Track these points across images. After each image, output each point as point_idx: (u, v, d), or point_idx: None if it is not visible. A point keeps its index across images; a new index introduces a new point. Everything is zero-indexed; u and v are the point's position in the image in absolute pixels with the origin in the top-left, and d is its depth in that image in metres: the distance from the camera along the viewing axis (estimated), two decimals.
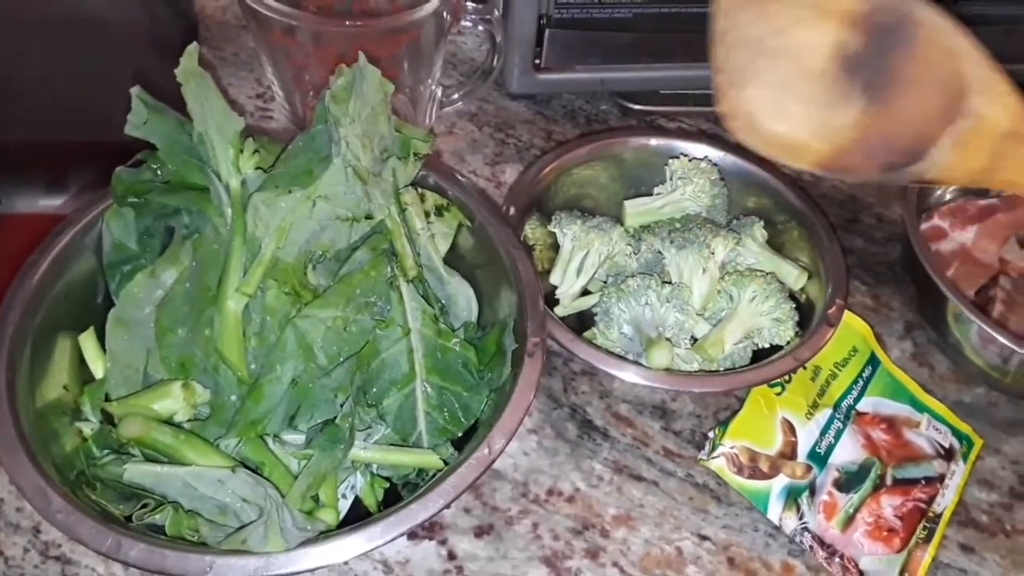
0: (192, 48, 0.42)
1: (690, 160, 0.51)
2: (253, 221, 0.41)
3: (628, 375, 0.42)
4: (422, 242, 0.44)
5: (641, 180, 0.54)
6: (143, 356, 0.40)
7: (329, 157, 0.41)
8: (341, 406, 0.37)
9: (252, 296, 0.39)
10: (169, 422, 0.38)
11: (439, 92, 0.60)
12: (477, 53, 0.69)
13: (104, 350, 0.41)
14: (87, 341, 0.41)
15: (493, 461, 0.37)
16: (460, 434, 0.41)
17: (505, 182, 0.61)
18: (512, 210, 0.49)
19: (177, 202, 0.42)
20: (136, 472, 0.35)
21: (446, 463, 0.40)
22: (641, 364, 0.44)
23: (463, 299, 0.45)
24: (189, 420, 0.38)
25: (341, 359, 0.39)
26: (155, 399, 0.38)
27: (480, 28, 0.56)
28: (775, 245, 0.51)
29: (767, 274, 0.46)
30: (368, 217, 0.42)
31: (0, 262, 0.81)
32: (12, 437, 0.35)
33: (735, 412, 0.47)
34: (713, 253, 0.46)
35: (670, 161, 0.52)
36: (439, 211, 0.46)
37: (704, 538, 0.45)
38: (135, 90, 0.41)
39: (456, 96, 0.61)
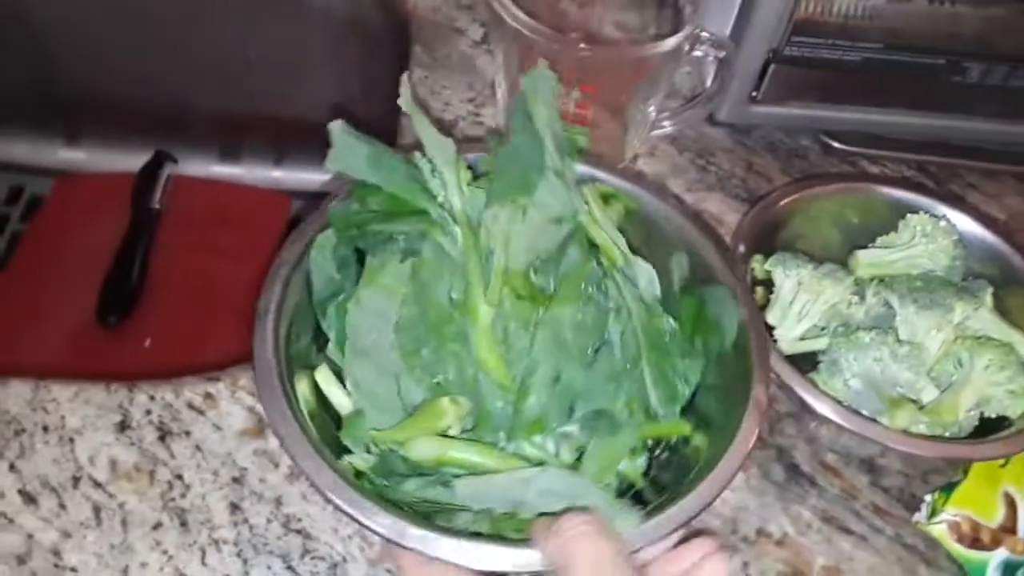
0: (404, 79, 0.43)
1: (930, 217, 0.52)
2: (484, 235, 0.42)
3: (876, 433, 0.43)
4: (608, 230, 0.46)
5: (862, 229, 0.55)
6: (392, 381, 0.40)
7: (542, 165, 0.43)
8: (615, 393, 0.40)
9: (497, 306, 0.41)
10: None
11: (652, 116, 0.61)
12: (681, 78, 0.70)
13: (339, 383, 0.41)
14: (323, 376, 0.41)
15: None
16: (686, 400, 0.43)
17: (706, 210, 0.62)
18: (742, 247, 0.50)
19: (401, 228, 0.42)
20: (467, 489, 0.36)
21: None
22: (875, 420, 0.45)
23: (645, 278, 0.46)
24: (461, 433, 0.40)
25: (590, 351, 0.41)
26: (431, 419, 0.39)
27: (710, 58, 0.58)
28: (998, 311, 0.51)
29: (1004, 344, 0.47)
30: (573, 216, 0.43)
31: (168, 220, 0.87)
32: (334, 480, 0.35)
33: (952, 480, 0.48)
34: (953, 316, 0.46)
35: (909, 216, 0.52)
36: (606, 199, 0.47)
37: None
38: (335, 125, 0.41)
39: (667, 122, 0.62)
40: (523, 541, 0.34)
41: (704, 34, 0.56)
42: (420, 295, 0.41)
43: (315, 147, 1.01)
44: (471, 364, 0.40)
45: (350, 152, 0.42)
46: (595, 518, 0.33)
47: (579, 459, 0.39)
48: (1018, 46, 0.59)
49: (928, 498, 0.47)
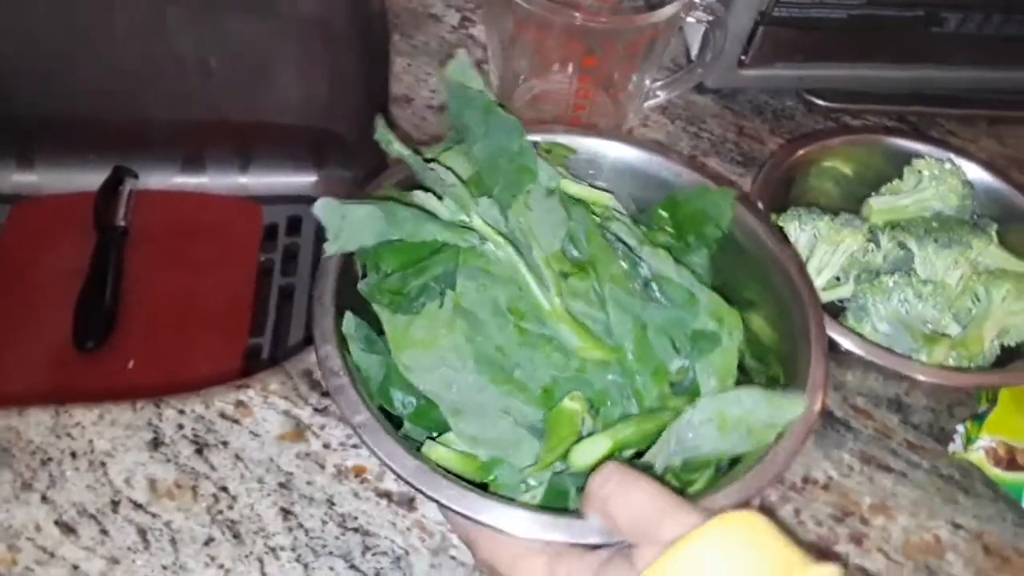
0: (379, 119, 0.42)
1: (936, 161, 0.54)
2: (520, 236, 0.41)
3: (914, 370, 0.45)
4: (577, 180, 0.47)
5: (863, 180, 0.57)
6: (504, 416, 0.38)
7: (529, 149, 0.43)
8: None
9: (561, 294, 0.41)
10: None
11: (647, 86, 0.62)
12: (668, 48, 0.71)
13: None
14: (436, 452, 0.38)
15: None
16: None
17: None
18: (760, 207, 0.52)
19: (438, 270, 0.41)
20: (661, 458, 0.36)
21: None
22: (909, 358, 0.47)
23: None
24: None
25: (654, 293, 0.43)
26: (567, 425, 0.37)
27: (704, 25, 0.59)
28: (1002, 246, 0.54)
29: (1019, 274, 0.49)
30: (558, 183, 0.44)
31: (136, 237, 0.84)
32: None
33: (976, 410, 0.50)
34: (970, 252, 0.49)
35: (915, 161, 0.55)
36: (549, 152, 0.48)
37: (958, 526, 0.48)
38: (320, 205, 0.39)
39: (661, 92, 0.64)
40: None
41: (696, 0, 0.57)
42: (473, 325, 0.39)
43: (282, 151, 1.00)
44: (568, 358, 0.39)
45: (349, 224, 0.39)
46: (615, 468, 0.32)
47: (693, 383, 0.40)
48: None
49: (960, 429, 0.50)
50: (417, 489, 0.34)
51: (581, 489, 0.34)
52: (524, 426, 0.38)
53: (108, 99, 0.87)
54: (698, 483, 0.37)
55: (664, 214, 0.46)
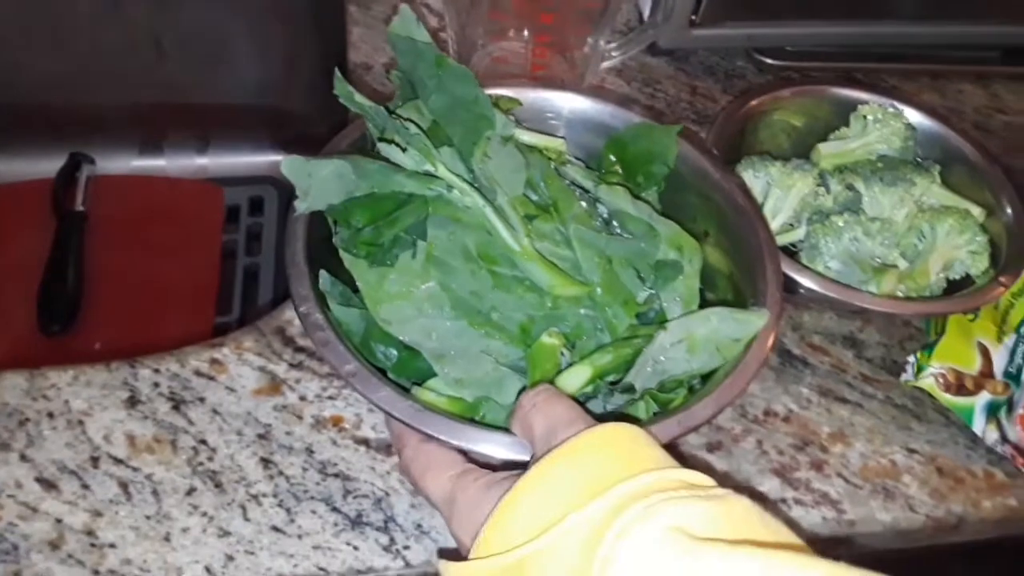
0: (337, 74, 0.43)
1: (879, 106, 0.57)
2: (487, 182, 0.43)
3: (866, 300, 0.48)
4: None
5: (812, 130, 0.60)
6: (485, 358, 0.40)
7: (483, 98, 0.44)
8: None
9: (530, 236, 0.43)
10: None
11: (603, 47, 0.65)
12: (620, 11, 0.74)
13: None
14: (425, 396, 0.40)
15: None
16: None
17: None
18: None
19: (408, 221, 0.42)
20: (643, 380, 0.38)
21: None
22: (860, 290, 0.50)
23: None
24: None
25: (615, 231, 0.45)
26: (548, 359, 0.39)
27: None
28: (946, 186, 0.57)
29: (961, 210, 0.53)
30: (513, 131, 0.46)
31: (96, 223, 0.85)
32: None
33: (925, 342, 0.53)
34: (915, 190, 0.52)
35: (860, 107, 0.58)
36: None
37: (912, 451, 0.51)
38: (287, 162, 0.40)
39: (615, 53, 0.66)
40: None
41: None
42: (447, 273, 0.41)
43: (241, 131, 1.01)
44: (541, 297, 0.41)
45: (316, 182, 0.40)
46: (546, 387, 0.36)
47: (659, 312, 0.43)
48: None
49: (911, 359, 0.53)
50: (414, 428, 0.36)
51: None
52: (505, 365, 0.40)
53: (61, 84, 0.87)
54: (676, 401, 0.40)
55: (612, 157, 0.49)
